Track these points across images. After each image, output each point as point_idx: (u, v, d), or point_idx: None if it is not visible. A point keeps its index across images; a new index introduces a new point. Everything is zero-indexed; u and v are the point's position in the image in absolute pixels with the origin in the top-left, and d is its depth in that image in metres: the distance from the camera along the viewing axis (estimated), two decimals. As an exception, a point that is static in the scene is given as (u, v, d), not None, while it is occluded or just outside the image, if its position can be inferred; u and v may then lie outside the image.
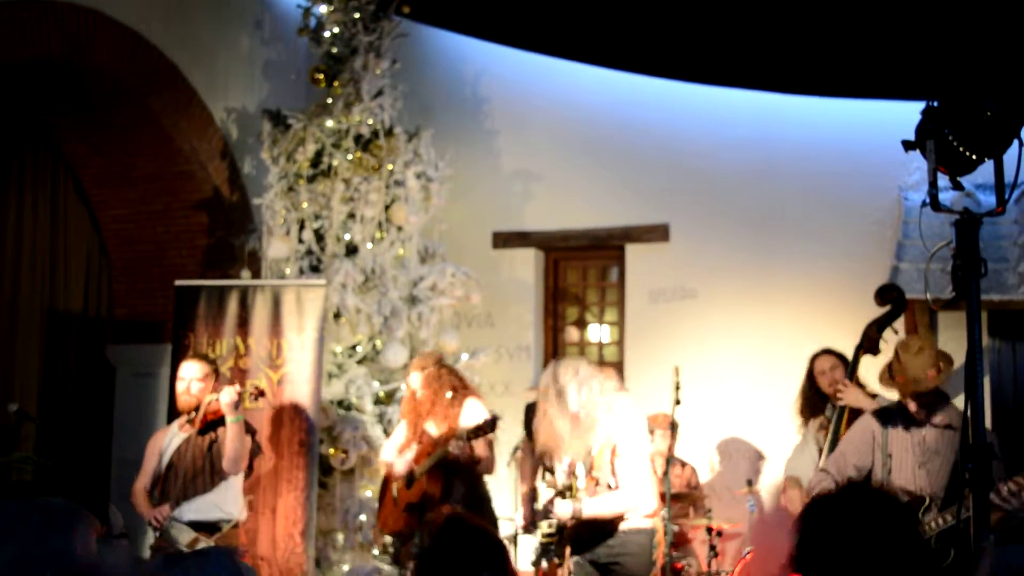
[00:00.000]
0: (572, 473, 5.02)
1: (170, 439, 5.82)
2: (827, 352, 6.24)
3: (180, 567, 2.32)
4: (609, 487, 5.00)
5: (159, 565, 2.34)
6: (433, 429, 6.21)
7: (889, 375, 5.08)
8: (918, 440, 5.01)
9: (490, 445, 6.14)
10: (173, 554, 2.43)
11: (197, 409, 5.75)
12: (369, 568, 6.99)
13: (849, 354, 6.19)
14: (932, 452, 4.96)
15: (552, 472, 5.17)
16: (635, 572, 5.03)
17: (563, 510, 4.97)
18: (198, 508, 5.61)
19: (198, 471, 5.66)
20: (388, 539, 6.63)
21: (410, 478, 6.16)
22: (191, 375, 5.79)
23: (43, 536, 2.61)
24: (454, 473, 6.07)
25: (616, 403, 5.07)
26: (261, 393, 6.07)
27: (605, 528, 5.03)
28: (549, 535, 5.03)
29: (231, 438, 5.56)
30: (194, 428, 5.73)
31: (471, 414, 6.13)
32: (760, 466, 7.61)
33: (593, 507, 4.96)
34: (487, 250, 8.58)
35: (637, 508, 5.05)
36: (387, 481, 6.43)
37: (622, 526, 5.06)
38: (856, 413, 5.53)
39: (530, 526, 5.24)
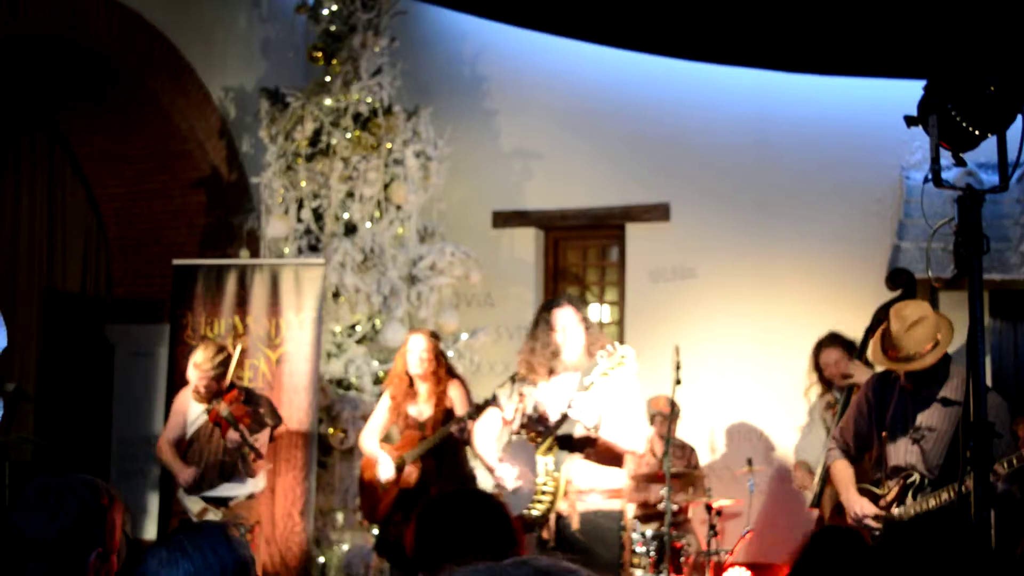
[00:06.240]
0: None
1: (195, 413, 5.95)
2: (833, 343, 6.19)
3: (173, 543, 2.31)
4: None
5: (154, 544, 2.34)
6: (415, 411, 6.20)
7: (882, 348, 4.77)
8: (912, 415, 4.76)
9: None
10: (167, 533, 2.44)
11: (214, 399, 5.81)
12: (368, 547, 6.99)
13: (849, 333, 6.18)
14: (926, 428, 4.69)
15: (536, 421, 5.02)
16: (602, 555, 4.94)
17: (585, 418, 4.83)
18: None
19: (220, 462, 5.86)
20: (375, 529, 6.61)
21: (400, 465, 6.15)
22: (201, 371, 5.80)
23: (94, 511, 2.62)
24: (443, 454, 6.07)
25: (627, 355, 5.02)
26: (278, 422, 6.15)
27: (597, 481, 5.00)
28: (541, 502, 4.90)
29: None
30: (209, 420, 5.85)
31: (458, 399, 6.16)
32: (760, 446, 7.60)
33: (608, 434, 4.91)
34: (487, 229, 8.54)
35: (635, 453, 5.15)
36: (366, 468, 6.41)
37: (589, 508, 5.00)
38: None
39: (524, 428, 5.07)
